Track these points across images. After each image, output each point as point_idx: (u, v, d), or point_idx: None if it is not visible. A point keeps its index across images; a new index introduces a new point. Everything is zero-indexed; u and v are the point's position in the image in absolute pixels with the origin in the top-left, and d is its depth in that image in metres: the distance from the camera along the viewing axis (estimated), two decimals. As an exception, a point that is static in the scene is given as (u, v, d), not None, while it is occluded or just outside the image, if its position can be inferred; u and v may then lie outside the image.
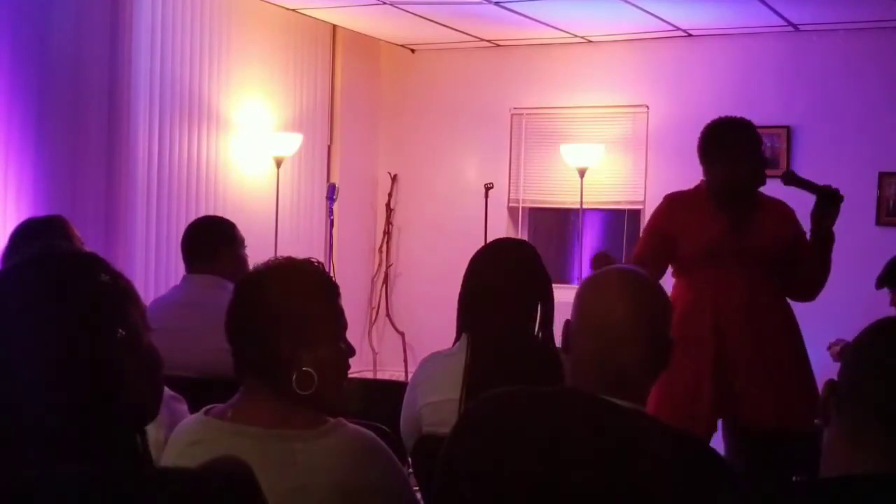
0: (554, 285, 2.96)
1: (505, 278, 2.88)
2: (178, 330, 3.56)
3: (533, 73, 7.82)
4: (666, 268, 4.03)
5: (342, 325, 2.10)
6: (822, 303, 4.13)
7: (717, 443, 3.96)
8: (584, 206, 7.46)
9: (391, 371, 7.93)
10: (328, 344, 2.04)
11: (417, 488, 2.57)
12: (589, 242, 7.93)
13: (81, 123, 5.91)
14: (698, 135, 4.08)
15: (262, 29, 7.18)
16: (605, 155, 7.42)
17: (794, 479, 4.04)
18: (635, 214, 7.61)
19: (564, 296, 2.97)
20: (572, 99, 7.72)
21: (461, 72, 8.06)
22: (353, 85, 7.96)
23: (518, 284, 2.88)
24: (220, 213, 5.28)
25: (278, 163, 7.07)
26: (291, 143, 7.13)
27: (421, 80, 8.18)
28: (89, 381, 1.45)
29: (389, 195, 8.21)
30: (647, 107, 7.50)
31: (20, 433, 1.43)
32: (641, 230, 7.35)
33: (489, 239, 5.43)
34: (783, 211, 4.02)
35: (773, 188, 4.04)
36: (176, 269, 5.75)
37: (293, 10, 7.18)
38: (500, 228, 7.60)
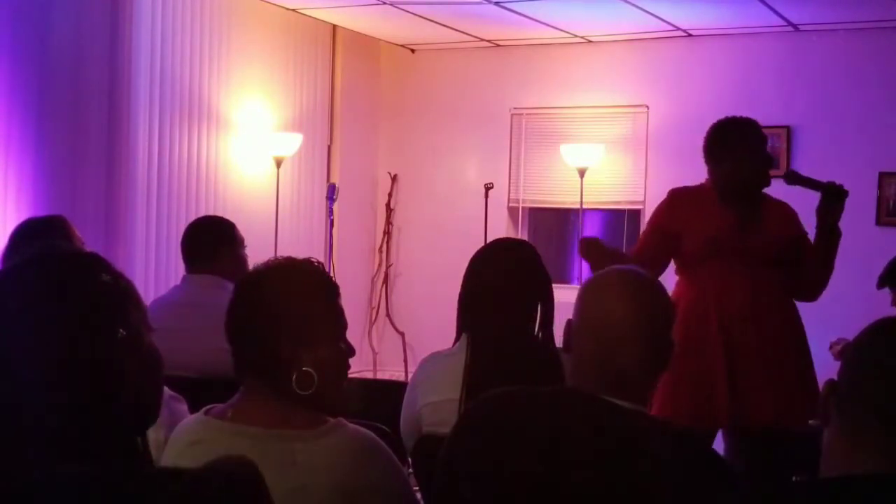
0: (554, 285, 2.96)
1: (505, 278, 2.88)
2: (179, 330, 3.56)
3: (533, 73, 7.82)
4: (667, 265, 4.03)
5: (342, 325, 2.10)
6: (823, 303, 4.13)
7: (717, 443, 3.96)
8: (584, 206, 7.46)
9: (391, 371, 7.93)
10: (328, 344, 2.04)
11: (417, 488, 2.57)
12: (589, 242, 7.91)
13: (81, 123, 5.91)
14: (698, 135, 4.09)
15: (262, 29, 7.18)
16: (605, 155, 7.42)
17: (794, 479, 4.04)
18: (635, 214, 7.61)
19: (564, 296, 2.98)
20: (572, 99, 7.72)
21: (461, 72, 8.06)
22: (353, 85, 7.96)
23: (518, 284, 2.88)
24: (220, 213, 5.28)
25: (278, 163, 7.07)
26: (291, 143, 7.13)
27: (421, 80, 8.18)
28: (90, 381, 1.45)
29: (389, 195, 8.21)
30: (647, 107, 7.50)
31: (20, 433, 1.43)
32: (642, 230, 7.39)
33: (489, 239, 5.43)
34: (786, 212, 4.03)
35: (775, 188, 4.05)
36: (176, 269, 5.75)
37: (293, 10, 7.18)
38: (500, 228, 7.60)
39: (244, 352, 2.04)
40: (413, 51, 8.21)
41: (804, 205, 4.08)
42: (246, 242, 4.09)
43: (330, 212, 7.31)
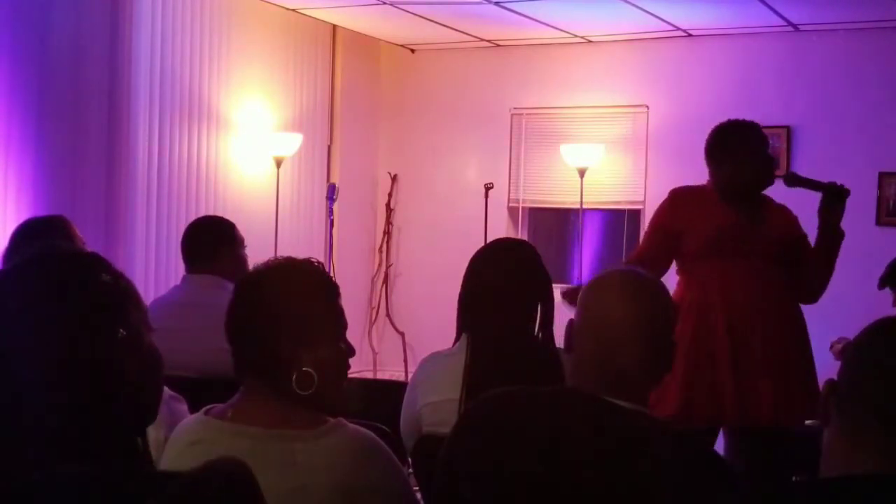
0: (554, 285, 2.96)
1: (505, 278, 2.88)
2: (178, 330, 3.56)
3: (533, 73, 7.82)
4: (669, 266, 4.03)
5: (342, 325, 2.10)
6: (823, 303, 4.13)
7: (718, 443, 3.97)
8: (584, 206, 7.46)
9: (391, 371, 7.93)
10: (328, 344, 2.04)
11: (417, 488, 2.57)
12: (589, 242, 7.93)
13: (81, 123, 5.91)
14: (698, 135, 4.09)
15: (262, 29, 7.18)
16: (605, 155, 7.42)
17: (794, 479, 4.05)
18: (635, 214, 7.61)
19: (564, 296, 2.99)
20: (572, 99, 7.72)
21: (461, 72, 8.06)
22: (353, 85, 7.96)
23: (518, 284, 2.88)
24: (220, 213, 5.28)
25: (278, 163, 7.07)
26: (291, 143, 7.13)
27: (421, 80, 8.18)
28: (90, 381, 1.45)
29: (389, 195, 8.21)
30: (647, 107, 7.50)
31: (20, 433, 1.43)
32: (642, 230, 7.41)
33: (489, 239, 5.43)
34: (787, 214, 4.05)
35: (775, 190, 4.05)
36: (176, 269, 5.75)
37: (293, 10, 7.18)
38: (500, 228, 7.60)
39: (244, 352, 2.04)
40: (413, 51, 8.21)
41: (805, 206, 4.08)
42: (246, 242, 4.09)
43: (330, 212, 7.31)
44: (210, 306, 2.84)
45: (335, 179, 7.68)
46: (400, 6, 6.85)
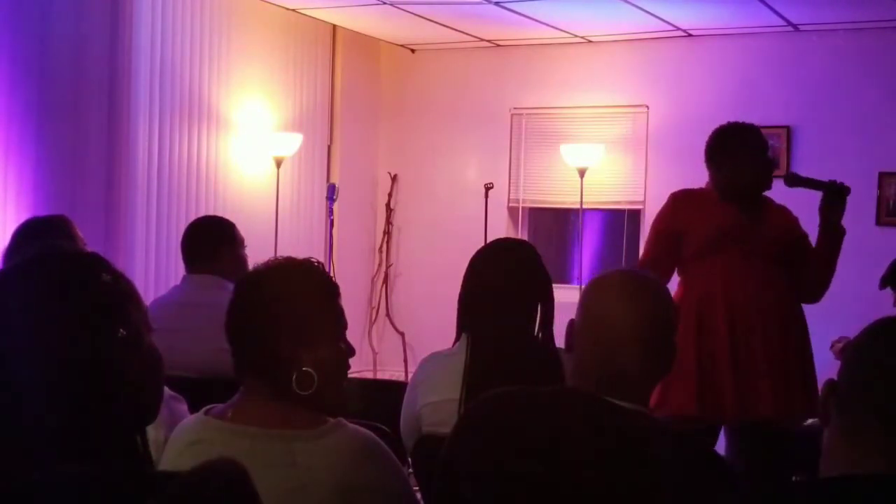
0: (554, 285, 2.96)
1: (505, 278, 2.88)
2: (179, 330, 3.57)
3: (533, 73, 7.82)
4: (674, 270, 4.03)
5: (342, 325, 2.10)
6: (823, 302, 4.13)
7: (718, 444, 3.97)
8: (584, 206, 7.46)
9: (391, 371, 7.93)
10: (328, 344, 2.04)
11: (417, 488, 2.57)
12: (589, 242, 7.93)
13: (81, 123, 5.91)
14: (698, 135, 4.10)
15: (262, 29, 7.18)
16: (605, 155, 7.42)
17: (794, 478, 4.05)
18: (635, 214, 7.61)
19: (564, 296, 2.99)
20: (572, 99, 7.72)
21: (461, 72, 8.06)
22: (353, 85, 7.96)
23: (518, 284, 2.88)
24: (220, 213, 5.28)
25: (278, 163, 7.07)
26: (291, 143, 7.13)
27: (421, 80, 8.18)
28: (90, 381, 1.45)
29: (389, 195, 8.21)
30: (647, 107, 7.50)
31: (20, 433, 1.43)
32: (641, 230, 7.41)
33: (489, 239, 5.43)
34: (787, 215, 4.06)
35: (775, 190, 4.05)
36: (176, 269, 5.75)
37: (293, 10, 7.18)
38: (500, 228, 7.60)
39: (244, 352, 2.04)
40: (413, 51, 8.21)
41: (805, 206, 4.09)
42: (246, 242, 4.09)
43: (330, 212, 7.31)
44: (210, 306, 2.84)
45: (335, 179, 7.68)
46: (400, 6, 6.85)
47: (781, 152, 6.94)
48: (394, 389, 4.20)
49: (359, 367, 7.52)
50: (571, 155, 7.37)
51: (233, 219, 4.20)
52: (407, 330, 8.05)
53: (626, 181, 7.60)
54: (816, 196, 4.01)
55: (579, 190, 7.33)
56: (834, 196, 3.96)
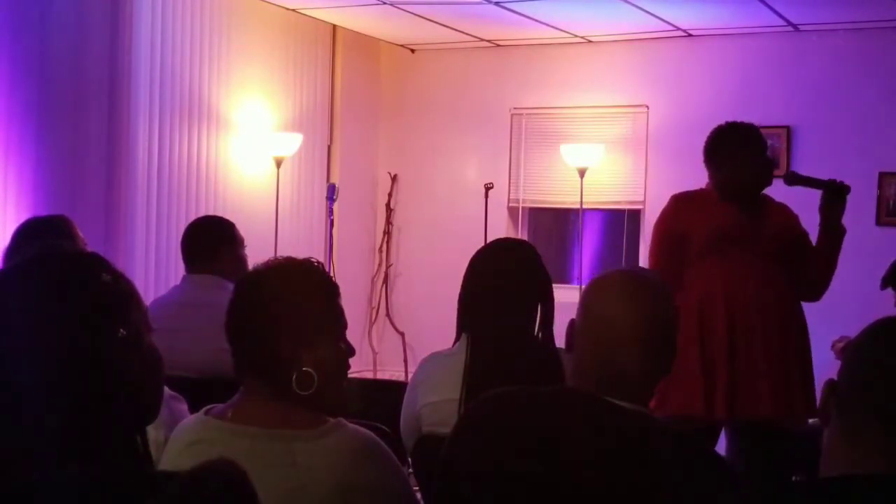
0: (554, 285, 2.96)
1: (505, 278, 2.88)
2: (179, 330, 3.57)
3: (533, 73, 7.82)
4: (682, 270, 4.03)
5: (342, 325, 2.09)
6: (823, 302, 4.14)
7: (719, 444, 3.97)
8: (584, 206, 7.45)
9: (391, 371, 7.93)
10: (328, 344, 2.04)
11: (417, 488, 2.57)
12: (589, 242, 7.93)
13: (81, 123, 5.91)
14: (698, 135, 4.10)
15: (262, 29, 7.18)
16: (605, 155, 7.42)
17: (794, 479, 4.05)
18: (635, 214, 7.61)
19: (564, 296, 2.99)
20: (572, 99, 7.72)
21: (461, 72, 8.06)
22: (353, 85, 7.96)
23: (518, 284, 2.88)
24: (220, 213, 5.28)
25: (278, 163, 7.07)
26: (291, 143, 7.13)
27: (421, 80, 8.18)
28: (90, 381, 1.45)
29: (389, 195, 8.20)
30: (647, 107, 7.50)
31: (20, 433, 1.43)
32: (642, 230, 7.42)
33: (489, 239, 5.43)
34: (787, 213, 4.07)
35: (775, 189, 4.06)
36: (176, 269, 5.75)
37: (293, 10, 7.18)
38: (500, 228, 7.60)
39: (244, 352, 2.04)
40: (413, 51, 8.21)
41: (805, 205, 4.09)
42: (246, 242, 4.09)
43: (330, 212, 7.31)
44: (210, 306, 2.85)
45: (335, 179, 7.68)
46: (400, 6, 6.85)
47: (781, 152, 6.94)
48: (394, 389, 4.20)
49: (359, 367, 7.52)
50: (571, 155, 7.37)
51: (233, 219, 4.20)
52: (407, 330, 8.05)
53: (625, 181, 7.60)
54: (816, 195, 4.02)
55: (579, 190, 7.33)
56: (834, 195, 3.97)
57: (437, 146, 8.07)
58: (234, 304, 2.06)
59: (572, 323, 2.08)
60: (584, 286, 2.20)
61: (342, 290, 2.12)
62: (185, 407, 2.57)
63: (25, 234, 3.81)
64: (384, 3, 6.80)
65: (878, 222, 6.81)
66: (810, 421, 4.18)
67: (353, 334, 2.15)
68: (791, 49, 7.11)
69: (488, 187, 7.30)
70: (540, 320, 2.86)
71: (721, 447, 3.96)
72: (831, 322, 4.71)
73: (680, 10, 6.73)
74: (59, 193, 5.69)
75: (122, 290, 1.53)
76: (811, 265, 4.02)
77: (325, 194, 7.41)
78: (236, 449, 1.88)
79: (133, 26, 6.17)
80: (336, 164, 7.83)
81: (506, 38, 7.69)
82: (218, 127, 6.84)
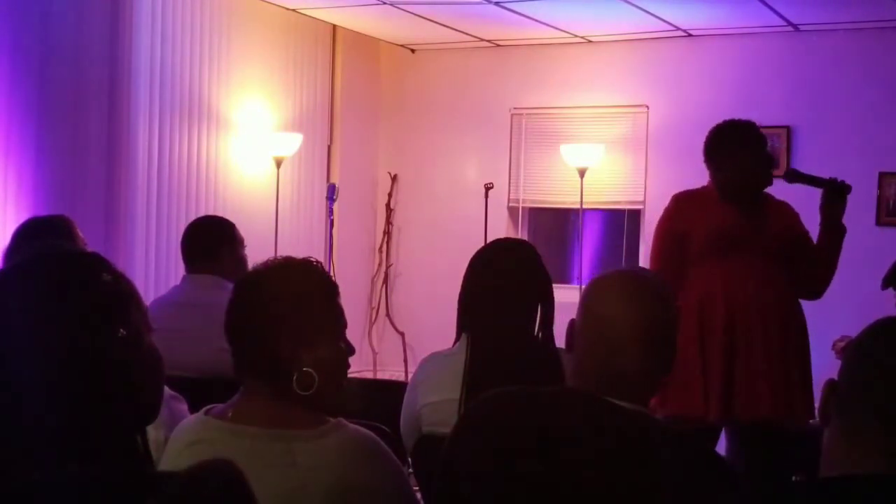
0: (554, 285, 2.96)
1: (505, 278, 2.88)
2: (179, 330, 3.57)
3: (533, 73, 7.82)
4: (685, 269, 4.03)
5: (342, 325, 2.09)
6: (822, 302, 4.14)
7: (719, 444, 3.97)
8: (584, 206, 7.45)
9: (391, 371, 7.93)
10: (328, 344, 2.04)
11: (417, 488, 2.57)
12: (589, 242, 7.93)
13: (81, 123, 5.91)
14: (698, 135, 4.10)
15: (262, 29, 7.18)
16: (605, 155, 7.42)
17: (794, 479, 4.05)
18: (635, 214, 7.61)
19: (564, 296, 2.99)
20: (572, 99, 7.72)
21: (461, 72, 8.06)
22: (353, 85, 7.96)
23: (518, 284, 2.88)
24: (220, 213, 5.28)
25: (278, 163, 7.07)
26: (291, 143, 7.13)
27: (421, 80, 8.18)
28: (90, 381, 1.45)
29: (389, 195, 8.20)
30: (647, 107, 7.50)
31: (20, 433, 1.43)
32: (641, 230, 7.42)
33: (489, 239, 5.43)
34: (788, 211, 4.07)
35: (776, 188, 4.06)
36: (176, 269, 5.75)
37: (293, 10, 7.18)
38: (500, 228, 7.60)
39: (244, 352, 2.04)
40: (413, 51, 8.21)
41: (806, 203, 4.09)
42: (246, 242, 4.09)
43: (330, 212, 7.31)
44: (210, 306, 2.84)
45: (335, 179, 7.68)
46: (400, 6, 6.85)
47: (781, 152, 6.94)
48: (394, 389, 4.20)
49: (359, 367, 7.52)
50: (571, 155, 7.37)
51: (233, 219, 4.20)
52: (407, 330, 8.05)
53: (626, 181, 7.60)
54: (816, 194, 4.02)
55: (579, 190, 7.33)
56: (834, 194, 3.97)
57: (437, 146, 8.07)
58: (234, 304, 2.06)
59: (572, 323, 2.08)
60: (584, 286, 2.20)
61: (342, 290, 2.12)
62: (185, 407, 2.57)
63: (25, 234, 3.81)
64: (384, 3, 6.80)
65: (878, 222, 6.81)
66: (810, 421, 4.18)
67: (353, 334, 2.15)
68: (791, 49, 7.11)
69: (488, 187, 7.30)
70: (540, 320, 2.86)
71: (721, 447, 3.96)
72: (831, 322, 4.71)
73: (680, 10, 6.73)
74: (59, 193, 5.69)
75: (123, 290, 1.53)
76: (812, 264, 4.02)
77: (325, 194, 7.41)
78: (236, 449, 1.88)
79: (133, 26, 6.17)
80: (336, 164, 7.83)
81: (506, 38, 7.69)
82: (218, 127, 6.84)
